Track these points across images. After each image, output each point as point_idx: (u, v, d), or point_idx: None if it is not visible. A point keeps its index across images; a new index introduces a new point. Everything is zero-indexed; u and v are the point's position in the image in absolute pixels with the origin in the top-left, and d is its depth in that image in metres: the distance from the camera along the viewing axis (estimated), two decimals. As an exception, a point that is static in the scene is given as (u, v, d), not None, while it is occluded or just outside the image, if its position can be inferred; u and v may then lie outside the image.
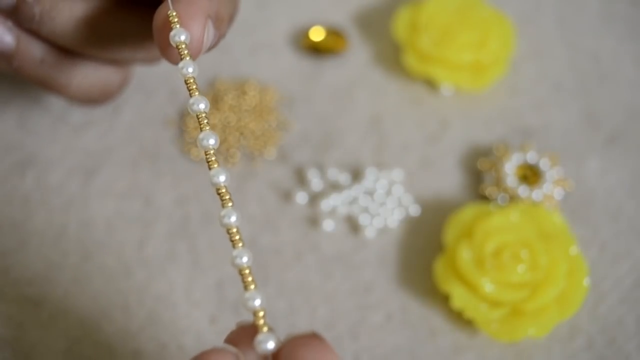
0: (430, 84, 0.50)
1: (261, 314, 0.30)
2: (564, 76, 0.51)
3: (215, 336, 0.41)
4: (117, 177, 0.46)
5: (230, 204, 0.31)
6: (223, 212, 0.30)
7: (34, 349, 0.40)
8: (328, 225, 0.45)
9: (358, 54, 0.51)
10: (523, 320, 0.41)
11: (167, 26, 0.34)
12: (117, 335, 0.41)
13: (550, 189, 0.46)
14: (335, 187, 0.46)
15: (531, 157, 0.46)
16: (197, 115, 0.32)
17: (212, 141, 0.31)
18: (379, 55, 0.51)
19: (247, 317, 0.41)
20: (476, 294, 0.41)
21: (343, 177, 0.46)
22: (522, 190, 0.45)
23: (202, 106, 0.32)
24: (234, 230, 0.31)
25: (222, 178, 0.31)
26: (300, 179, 0.46)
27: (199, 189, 0.45)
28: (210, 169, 0.31)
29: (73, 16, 0.38)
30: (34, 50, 0.39)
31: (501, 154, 0.47)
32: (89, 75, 0.41)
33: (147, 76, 0.48)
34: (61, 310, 0.41)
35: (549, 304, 0.41)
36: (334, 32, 0.51)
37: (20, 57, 0.39)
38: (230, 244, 0.31)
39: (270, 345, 0.29)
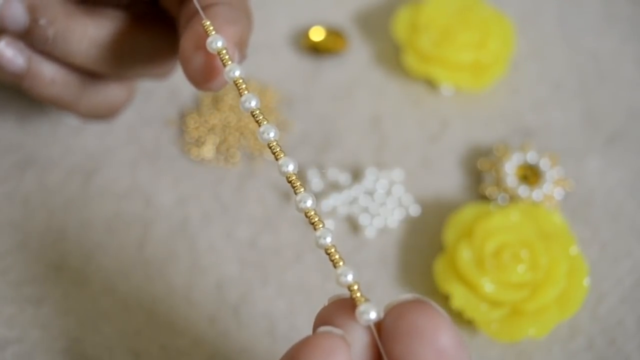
0: (430, 84, 0.50)
1: (356, 287, 0.29)
2: (564, 76, 0.51)
3: (214, 337, 0.41)
4: (117, 177, 0.46)
5: (302, 190, 0.31)
6: (298, 198, 0.31)
7: (34, 349, 0.40)
8: (328, 225, 0.45)
9: (358, 54, 0.51)
10: (523, 320, 0.41)
11: (203, 42, 0.34)
12: (117, 335, 0.41)
13: (551, 189, 0.46)
14: (335, 187, 0.46)
15: (531, 157, 0.46)
16: (251, 113, 0.33)
17: (272, 134, 0.32)
18: (379, 55, 0.51)
19: (246, 319, 0.41)
20: (476, 294, 0.41)
21: (343, 177, 0.46)
22: (522, 190, 0.45)
23: (254, 103, 0.33)
24: (312, 212, 0.31)
25: (290, 167, 0.31)
26: (301, 179, 0.46)
27: (199, 189, 0.45)
28: (277, 159, 0.32)
29: (86, 36, 0.39)
30: (45, 71, 0.40)
31: (501, 154, 0.47)
32: (97, 93, 0.42)
33: (147, 76, 0.48)
34: (61, 310, 0.41)
35: (549, 304, 0.41)
36: (334, 32, 0.51)
37: (31, 78, 0.40)
38: (310, 226, 0.31)
39: (373, 315, 0.28)
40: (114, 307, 0.41)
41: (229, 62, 0.34)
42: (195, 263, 0.43)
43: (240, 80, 0.33)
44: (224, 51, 0.34)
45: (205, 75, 0.35)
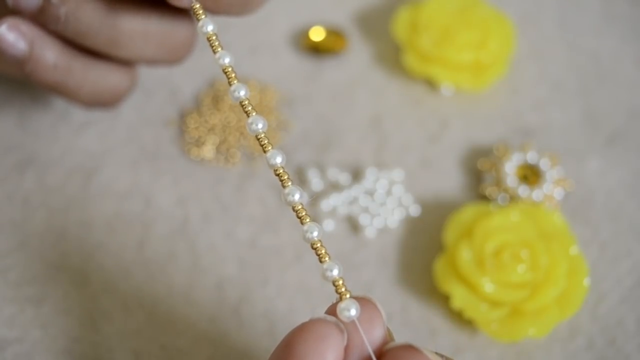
0: (430, 84, 0.50)
1: (340, 282, 0.30)
2: (564, 76, 0.51)
3: (214, 337, 0.41)
4: (117, 177, 0.46)
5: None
6: (287, 190, 0.31)
7: (34, 349, 0.40)
8: (328, 225, 0.45)
9: (358, 54, 0.51)
10: (523, 320, 0.41)
11: None
12: (117, 335, 0.41)
13: (551, 189, 0.46)
14: (335, 187, 0.46)
15: (531, 157, 0.46)
16: (240, 103, 0.32)
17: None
18: (379, 55, 0.51)
19: (246, 319, 0.41)
20: (476, 294, 0.41)
21: (343, 177, 0.46)
22: (522, 190, 0.45)
23: (242, 93, 0.32)
24: (299, 207, 0.31)
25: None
26: (301, 179, 0.46)
27: (199, 189, 0.45)
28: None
29: (98, 16, 0.38)
30: (47, 55, 0.39)
31: (501, 154, 0.47)
32: (99, 79, 0.41)
33: (147, 76, 0.48)
34: (61, 310, 0.41)
35: (549, 304, 0.41)
36: (334, 32, 0.51)
37: (33, 63, 0.39)
38: (298, 220, 0.31)
39: (353, 312, 0.29)
40: (114, 307, 0.41)
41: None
42: (195, 263, 0.43)
43: (230, 69, 0.32)
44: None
45: None
